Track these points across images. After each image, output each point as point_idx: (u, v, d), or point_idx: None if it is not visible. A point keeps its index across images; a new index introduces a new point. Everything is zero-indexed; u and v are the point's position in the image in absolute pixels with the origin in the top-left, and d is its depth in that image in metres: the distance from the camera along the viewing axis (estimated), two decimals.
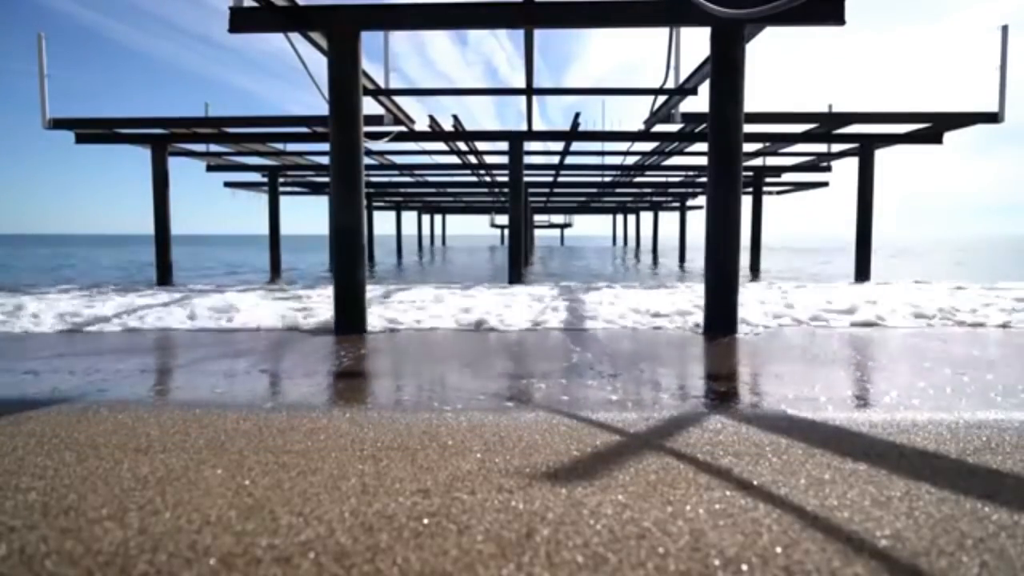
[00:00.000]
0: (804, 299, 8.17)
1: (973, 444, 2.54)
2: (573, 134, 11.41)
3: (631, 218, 40.69)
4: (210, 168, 16.00)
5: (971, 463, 2.33)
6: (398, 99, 9.29)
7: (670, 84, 8.03)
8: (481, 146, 13.16)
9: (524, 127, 11.17)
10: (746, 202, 15.90)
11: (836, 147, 13.46)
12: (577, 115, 10.57)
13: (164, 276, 12.37)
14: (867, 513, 1.87)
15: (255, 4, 5.64)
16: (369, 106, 7.63)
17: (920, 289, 9.85)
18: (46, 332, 6.21)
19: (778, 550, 1.64)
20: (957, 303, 7.50)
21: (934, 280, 11.71)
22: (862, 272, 12.68)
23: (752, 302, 7.73)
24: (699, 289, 8.53)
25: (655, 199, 27.48)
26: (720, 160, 6.03)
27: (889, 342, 5.44)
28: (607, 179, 19.04)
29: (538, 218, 42.07)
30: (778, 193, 21.81)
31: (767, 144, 12.83)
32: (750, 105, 6.34)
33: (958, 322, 6.44)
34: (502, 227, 41.85)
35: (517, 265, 12.43)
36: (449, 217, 44.74)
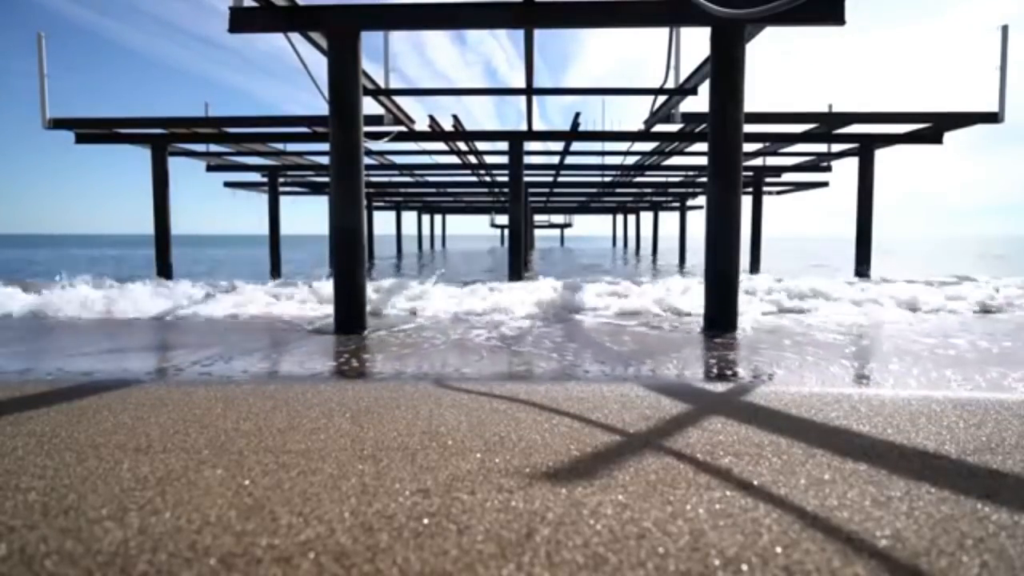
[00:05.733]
0: None
1: (973, 444, 2.54)
2: (573, 134, 11.41)
3: (631, 218, 40.69)
4: (210, 168, 16.00)
5: (971, 463, 2.33)
6: (398, 99, 9.30)
7: (670, 84, 8.03)
8: (481, 146, 13.16)
9: (524, 127, 11.17)
10: (746, 202, 15.89)
11: (836, 147, 13.46)
12: (577, 115, 10.57)
13: (164, 277, 12.34)
14: (867, 513, 1.87)
15: (255, 4, 5.64)
16: (369, 106, 7.63)
17: None
18: None
19: (778, 550, 1.64)
20: None
21: None
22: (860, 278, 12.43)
23: None
24: None
25: (655, 199, 27.48)
26: (720, 160, 6.03)
27: None
28: (607, 179, 19.03)
29: (538, 218, 42.03)
30: (778, 193, 21.80)
31: (767, 144, 12.82)
32: (750, 105, 6.35)
33: None
34: (502, 227, 41.80)
35: (518, 268, 12.12)
36: (449, 217, 44.72)
